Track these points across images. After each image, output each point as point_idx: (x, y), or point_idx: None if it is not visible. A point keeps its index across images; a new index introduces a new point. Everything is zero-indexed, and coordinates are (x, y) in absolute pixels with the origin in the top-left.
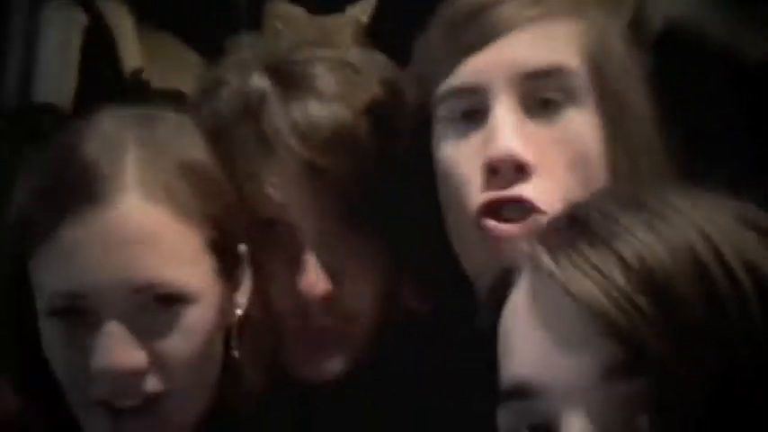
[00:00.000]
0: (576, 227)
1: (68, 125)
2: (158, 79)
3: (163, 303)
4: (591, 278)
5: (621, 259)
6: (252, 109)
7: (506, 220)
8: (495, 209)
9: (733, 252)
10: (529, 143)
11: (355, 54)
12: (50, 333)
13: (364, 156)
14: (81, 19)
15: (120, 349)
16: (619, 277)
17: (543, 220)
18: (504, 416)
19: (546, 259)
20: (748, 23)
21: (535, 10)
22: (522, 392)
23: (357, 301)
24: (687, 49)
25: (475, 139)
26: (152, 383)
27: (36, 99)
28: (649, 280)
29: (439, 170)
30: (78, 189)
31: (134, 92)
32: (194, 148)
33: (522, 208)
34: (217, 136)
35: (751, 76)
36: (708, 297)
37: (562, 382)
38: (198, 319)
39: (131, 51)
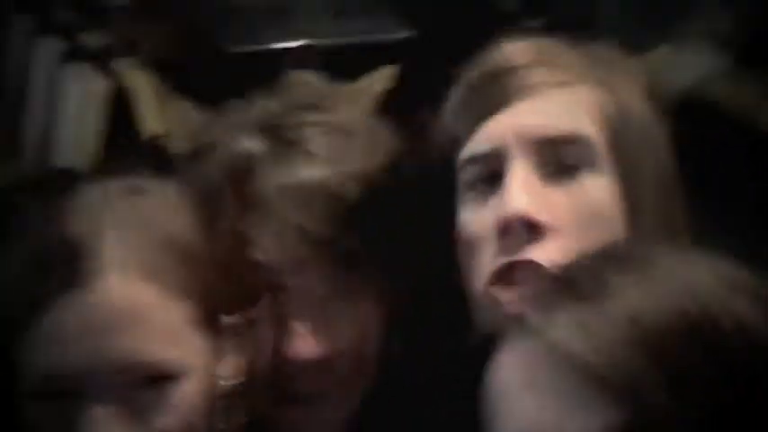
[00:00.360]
0: (564, 288)
1: (51, 200)
2: (177, 144)
3: (150, 382)
4: (582, 338)
5: (612, 319)
6: (240, 171)
7: (516, 285)
8: (506, 275)
9: (720, 309)
10: (542, 204)
11: (353, 120)
12: (37, 417)
13: (355, 220)
14: (102, 83)
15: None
16: (610, 335)
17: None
18: None
19: (535, 320)
20: (762, 92)
21: (554, 76)
22: None
23: (351, 364)
24: (702, 118)
25: (492, 203)
26: None
27: (56, 163)
28: (641, 338)
29: (459, 235)
30: (59, 272)
31: (152, 156)
32: (178, 222)
33: (533, 271)
34: (206, 199)
35: (765, 143)
36: (701, 354)
37: None
38: (186, 395)
39: (151, 116)
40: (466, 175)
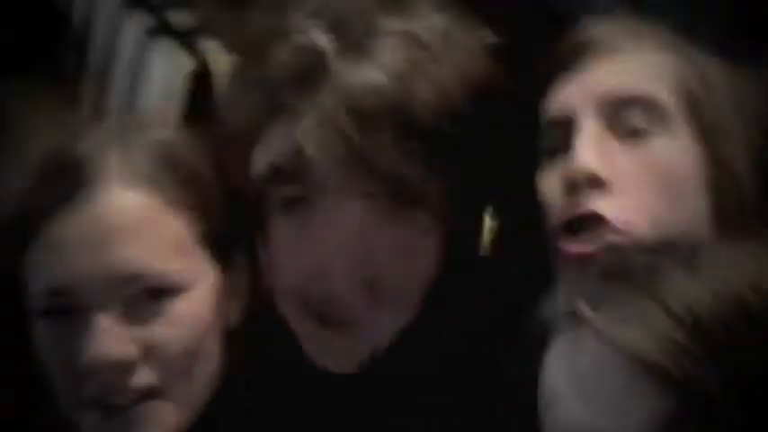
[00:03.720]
0: (616, 278)
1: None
2: None
3: (152, 294)
4: (636, 328)
5: (666, 308)
6: (309, 71)
7: (581, 238)
8: (570, 229)
9: None
10: (610, 162)
11: (432, 27)
12: (42, 334)
13: (423, 145)
14: (186, 62)
15: (108, 341)
16: (665, 325)
17: (622, 240)
18: None
19: (588, 313)
20: None
21: (633, 42)
22: None
23: (392, 294)
24: None
25: (562, 164)
26: (143, 378)
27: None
28: (697, 326)
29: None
30: (63, 183)
31: None
32: (181, 142)
33: (598, 226)
34: (258, 94)
35: None
36: (759, 340)
37: None
38: (189, 311)
39: None
40: (541, 138)
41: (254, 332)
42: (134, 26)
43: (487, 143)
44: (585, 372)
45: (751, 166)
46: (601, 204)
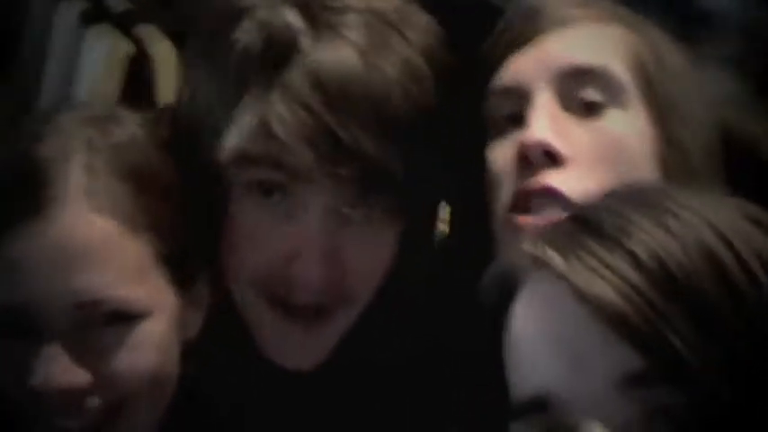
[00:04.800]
0: (584, 227)
1: (29, 127)
2: None
3: (109, 320)
4: (605, 279)
5: (635, 258)
6: (278, 47)
7: (533, 212)
8: (523, 202)
9: (747, 248)
10: (563, 135)
11: (396, 6)
12: None
13: (394, 128)
14: (122, 48)
15: (60, 369)
16: (634, 277)
17: None
18: (519, 429)
19: (555, 259)
20: None
21: (582, 11)
22: (535, 406)
23: (355, 288)
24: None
25: (515, 137)
26: (97, 402)
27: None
28: (666, 279)
29: (487, 173)
30: (24, 198)
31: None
32: (149, 154)
33: (552, 200)
34: (220, 71)
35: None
36: (728, 294)
37: (580, 393)
38: (149, 336)
39: (168, 84)
40: (491, 109)
41: (210, 332)
42: (67, 12)
43: (449, 124)
44: (553, 321)
45: (702, 145)
46: (556, 179)
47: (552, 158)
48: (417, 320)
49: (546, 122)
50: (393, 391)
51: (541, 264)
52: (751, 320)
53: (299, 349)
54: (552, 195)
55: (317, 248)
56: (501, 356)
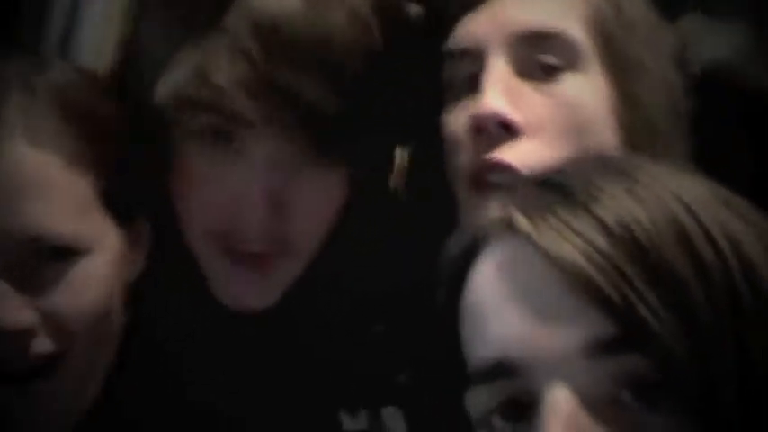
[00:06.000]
0: (552, 191)
1: None
2: None
3: (51, 257)
4: (572, 242)
5: (603, 224)
6: None
7: (490, 187)
8: (480, 176)
9: (714, 223)
10: (519, 104)
11: None
12: None
13: (338, 75)
14: None
15: (4, 308)
16: (602, 242)
17: None
18: (476, 397)
19: (523, 222)
20: None
21: None
22: (499, 371)
23: (302, 235)
24: (726, 92)
25: (470, 103)
26: (44, 344)
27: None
28: (633, 246)
29: (445, 138)
30: None
31: None
32: (87, 91)
33: (506, 173)
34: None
35: None
36: (693, 265)
37: (544, 357)
38: (91, 273)
39: None
40: (446, 71)
41: (159, 274)
42: None
43: (399, 74)
44: (520, 284)
45: (664, 103)
46: (512, 152)
47: (507, 129)
48: (369, 267)
49: (499, 91)
50: (336, 338)
51: (508, 226)
52: (715, 293)
53: (247, 292)
54: (508, 170)
55: (259, 195)
56: (452, 322)
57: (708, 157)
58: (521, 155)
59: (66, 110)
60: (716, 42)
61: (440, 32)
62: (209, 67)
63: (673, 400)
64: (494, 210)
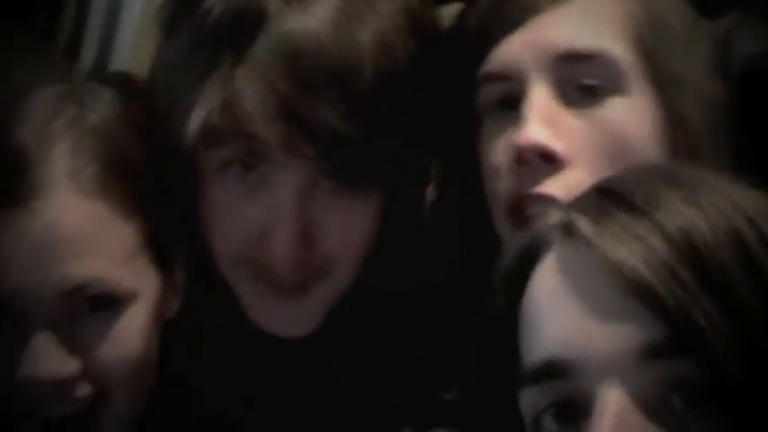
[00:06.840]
0: (613, 198)
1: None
2: None
3: (96, 306)
4: (632, 248)
5: (663, 231)
6: (248, 18)
7: (530, 219)
8: (520, 208)
9: None
10: (562, 132)
11: None
12: None
13: (366, 102)
14: None
15: (48, 359)
16: (661, 249)
17: None
18: (530, 396)
19: (584, 226)
20: None
21: None
22: (554, 370)
23: (336, 262)
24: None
25: (510, 128)
26: (85, 389)
27: (113, 68)
28: (692, 254)
29: (482, 159)
30: (7, 186)
31: None
32: (128, 136)
33: (549, 204)
34: (191, 48)
35: None
36: (750, 275)
37: (599, 357)
38: (135, 320)
39: None
40: (482, 95)
41: (197, 305)
42: None
43: (429, 99)
44: (577, 287)
45: (702, 112)
46: (554, 185)
47: (550, 160)
48: (411, 286)
49: (541, 120)
50: (383, 360)
51: (569, 230)
52: None
53: (286, 320)
54: (550, 201)
55: (287, 225)
56: (510, 326)
57: (752, 154)
58: (565, 186)
59: (109, 154)
60: (757, 40)
61: (474, 53)
62: (237, 99)
63: (718, 404)
64: (555, 213)
